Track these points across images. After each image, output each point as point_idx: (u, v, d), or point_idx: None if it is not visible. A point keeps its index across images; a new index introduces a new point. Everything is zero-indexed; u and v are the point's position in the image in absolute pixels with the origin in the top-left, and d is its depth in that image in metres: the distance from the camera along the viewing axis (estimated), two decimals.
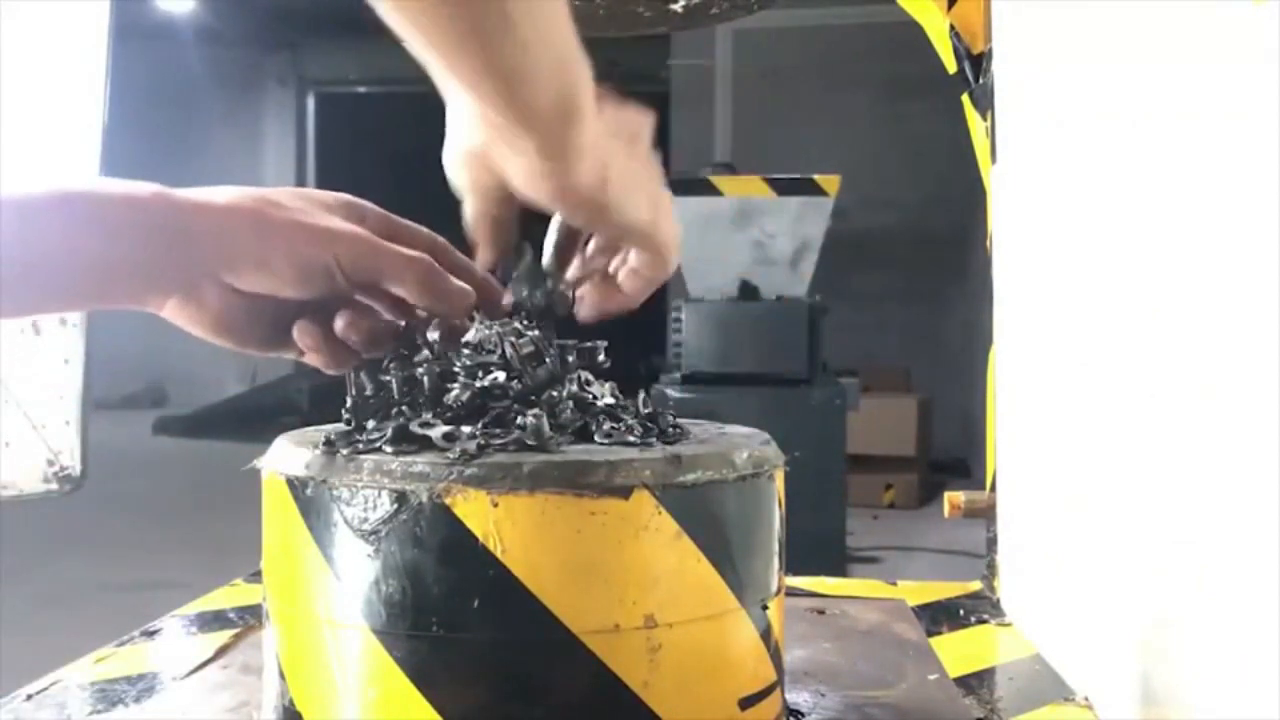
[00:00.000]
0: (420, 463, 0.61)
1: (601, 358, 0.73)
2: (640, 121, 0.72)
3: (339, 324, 0.67)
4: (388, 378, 0.68)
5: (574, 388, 0.70)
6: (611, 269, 0.75)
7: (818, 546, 3.57)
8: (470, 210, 0.72)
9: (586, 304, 0.75)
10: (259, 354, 0.68)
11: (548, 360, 0.69)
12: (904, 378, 6.64)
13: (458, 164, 0.70)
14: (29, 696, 0.85)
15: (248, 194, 0.65)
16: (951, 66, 1.27)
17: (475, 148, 0.68)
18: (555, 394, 0.69)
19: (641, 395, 0.73)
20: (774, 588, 0.70)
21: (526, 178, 0.66)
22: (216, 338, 0.66)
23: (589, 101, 0.64)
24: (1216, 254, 0.63)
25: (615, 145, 0.68)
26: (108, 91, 1.21)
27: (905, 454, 5.89)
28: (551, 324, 0.74)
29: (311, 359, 0.69)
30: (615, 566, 0.61)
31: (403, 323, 0.70)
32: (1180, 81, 0.68)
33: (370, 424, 0.66)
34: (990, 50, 1.21)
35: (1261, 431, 0.57)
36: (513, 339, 0.69)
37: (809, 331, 4.07)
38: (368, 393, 0.69)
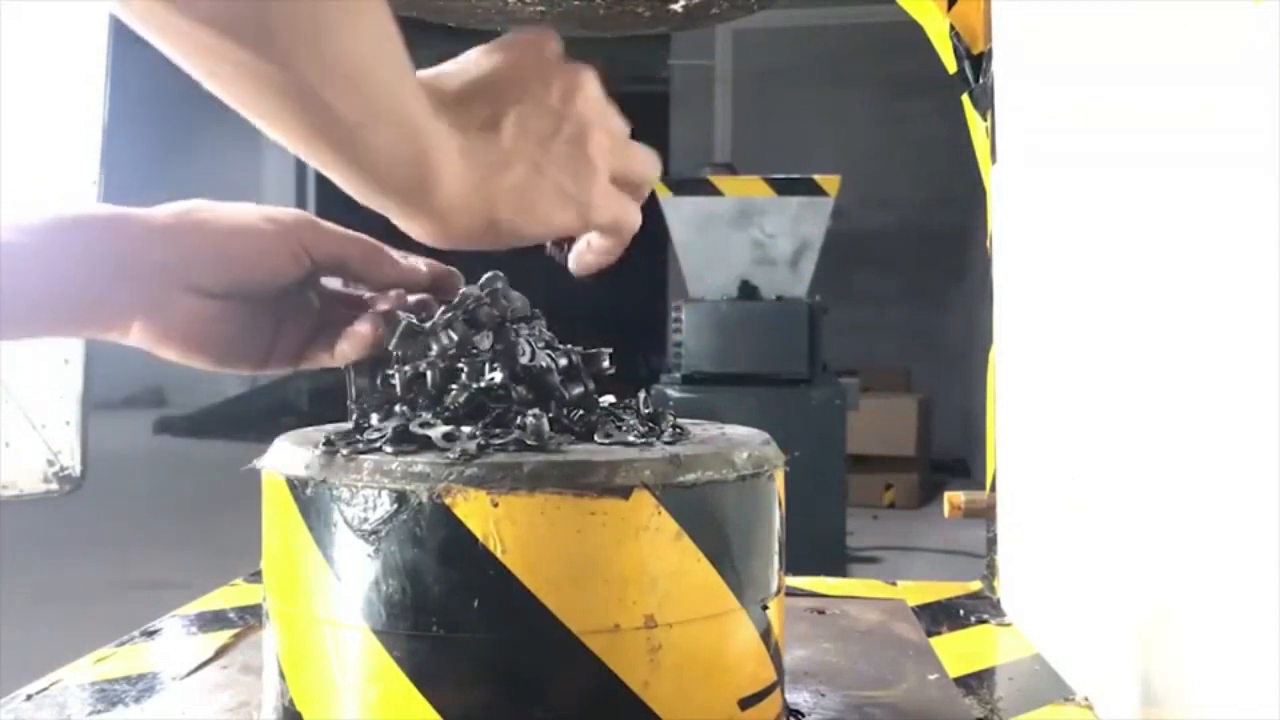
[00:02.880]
0: (420, 463, 0.61)
1: (607, 364, 0.73)
2: (573, 88, 0.63)
3: (366, 328, 0.68)
4: (391, 375, 0.68)
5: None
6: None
7: (818, 546, 3.57)
8: None
9: (572, 261, 0.71)
10: (246, 372, 0.68)
11: (585, 382, 0.70)
12: (904, 378, 6.63)
13: None
14: (29, 696, 0.85)
15: (192, 203, 0.65)
16: (951, 66, 1.27)
17: None
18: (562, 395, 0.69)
19: (642, 395, 0.73)
20: (774, 588, 0.70)
21: (409, 231, 0.62)
22: (192, 355, 0.65)
23: (447, 167, 0.58)
24: (1216, 254, 0.63)
25: (506, 166, 0.61)
26: (108, 91, 1.21)
27: (905, 454, 5.89)
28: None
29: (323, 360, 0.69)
30: (615, 566, 0.61)
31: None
32: (1180, 81, 0.68)
33: (370, 424, 0.66)
34: (990, 50, 1.21)
35: (1261, 431, 0.57)
36: (550, 354, 0.69)
37: (809, 331, 4.07)
38: (369, 391, 0.69)
